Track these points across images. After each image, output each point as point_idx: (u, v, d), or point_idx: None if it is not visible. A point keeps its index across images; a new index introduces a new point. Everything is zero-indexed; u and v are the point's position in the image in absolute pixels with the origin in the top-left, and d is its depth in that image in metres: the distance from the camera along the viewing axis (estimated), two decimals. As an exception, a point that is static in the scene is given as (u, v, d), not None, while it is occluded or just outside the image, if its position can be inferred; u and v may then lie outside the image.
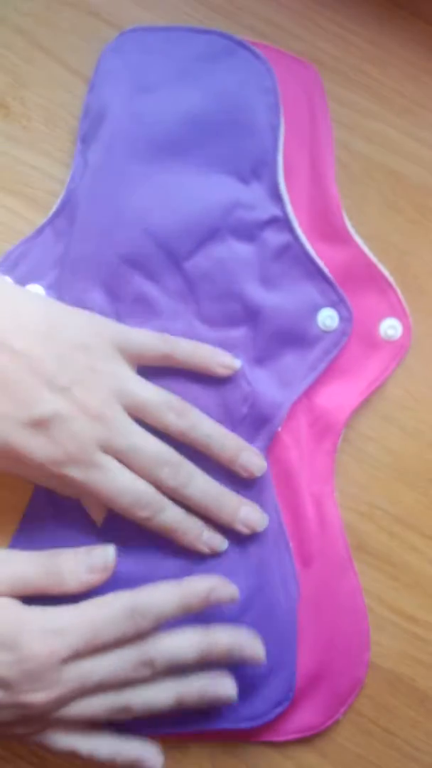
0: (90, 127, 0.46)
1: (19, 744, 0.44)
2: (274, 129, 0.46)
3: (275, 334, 0.45)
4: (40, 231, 0.46)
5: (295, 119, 0.47)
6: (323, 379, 0.46)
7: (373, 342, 0.47)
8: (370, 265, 0.47)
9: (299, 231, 0.46)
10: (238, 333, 0.45)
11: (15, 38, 0.48)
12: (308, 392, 0.46)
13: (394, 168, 0.47)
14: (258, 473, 0.45)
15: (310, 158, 0.47)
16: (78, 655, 0.40)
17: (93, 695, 0.41)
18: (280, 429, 0.45)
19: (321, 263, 0.46)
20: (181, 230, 0.45)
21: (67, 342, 0.42)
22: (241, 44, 0.46)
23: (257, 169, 0.45)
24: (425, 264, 0.48)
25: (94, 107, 0.46)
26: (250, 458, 0.45)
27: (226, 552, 0.45)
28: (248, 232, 0.45)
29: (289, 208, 0.46)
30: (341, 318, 0.46)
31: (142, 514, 0.43)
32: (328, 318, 0.46)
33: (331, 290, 0.46)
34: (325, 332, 0.46)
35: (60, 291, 0.45)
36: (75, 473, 0.41)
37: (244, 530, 0.44)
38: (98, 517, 0.44)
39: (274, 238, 0.45)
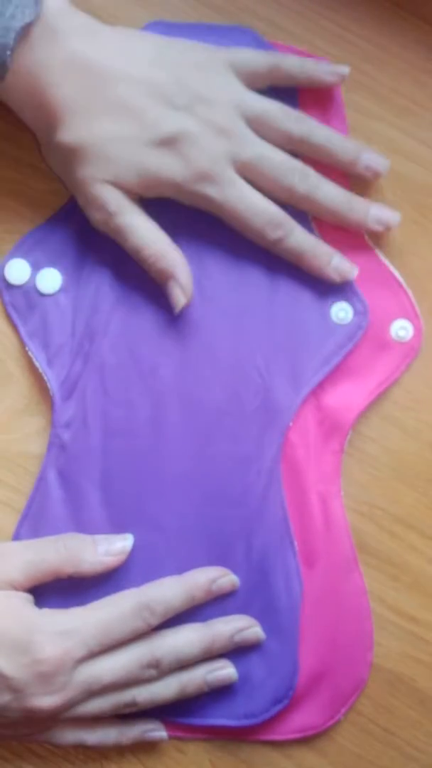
0: None
1: (19, 744, 0.44)
2: None
3: (288, 323, 0.46)
4: (55, 217, 0.47)
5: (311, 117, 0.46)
6: (332, 378, 0.46)
7: (383, 343, 0.46)
8: (382, 266, 0.47)
9: (312, 225, 0.46)
10: (253, 322, 0.46)
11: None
12: (317, 391, 0.46)
13: (394, 168, 0.47)
14: (383, 172, 0.46)
15: None
16: (92, 654, 0.40)
17: (99, 696, 0.41)
18: (291, 423, 0.45)
19: None
20: None
21: (181, 64, 0.43)
22: (262, 44, 0.47)
23: None
24: (426, 264, 0.48)
25: None
26: (372, 158, 0.45)
27: (229, 548, 0.44)
28: None
29: None
30: (356, 311, 0.46)
31: (276, 234, 0.44)
32: (341, 311, 0.46)
33: (345, 284, 0.46)
34: (339, 325, 0.46)
35: (78, 276, 0.46)
36: (211, 191, 0.43)
37: (378, 228, 0.46)
38: (180, 300, 0.44)
39: None
